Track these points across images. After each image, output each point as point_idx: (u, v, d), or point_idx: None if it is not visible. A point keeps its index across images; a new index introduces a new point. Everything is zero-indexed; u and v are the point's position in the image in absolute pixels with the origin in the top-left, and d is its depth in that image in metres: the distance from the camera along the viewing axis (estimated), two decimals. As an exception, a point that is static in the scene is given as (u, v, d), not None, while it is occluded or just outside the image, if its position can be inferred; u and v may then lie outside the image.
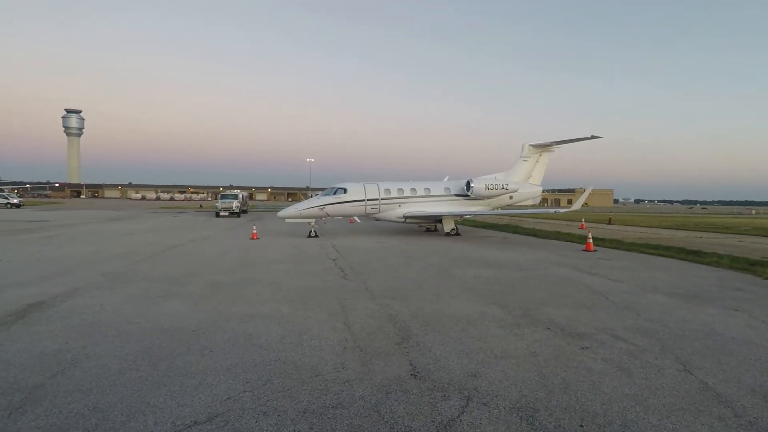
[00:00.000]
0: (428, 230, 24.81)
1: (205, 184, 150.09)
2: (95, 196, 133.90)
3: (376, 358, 5.24)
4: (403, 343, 5.79)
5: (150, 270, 11.15)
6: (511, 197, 24.04)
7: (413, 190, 22.52)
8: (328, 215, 21.15)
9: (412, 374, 4.78)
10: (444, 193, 23.26)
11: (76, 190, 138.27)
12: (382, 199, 21.58)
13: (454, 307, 7.68)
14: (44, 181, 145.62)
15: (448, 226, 22.28)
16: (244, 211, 44.09)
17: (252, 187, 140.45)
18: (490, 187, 22.67)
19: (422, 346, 5.67)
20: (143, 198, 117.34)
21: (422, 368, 4.95)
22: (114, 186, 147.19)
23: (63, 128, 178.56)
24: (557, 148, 25.13)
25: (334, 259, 13.57)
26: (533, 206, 27.05)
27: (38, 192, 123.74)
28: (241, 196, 42.75)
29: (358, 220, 24.37)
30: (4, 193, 53.84)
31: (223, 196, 41.16)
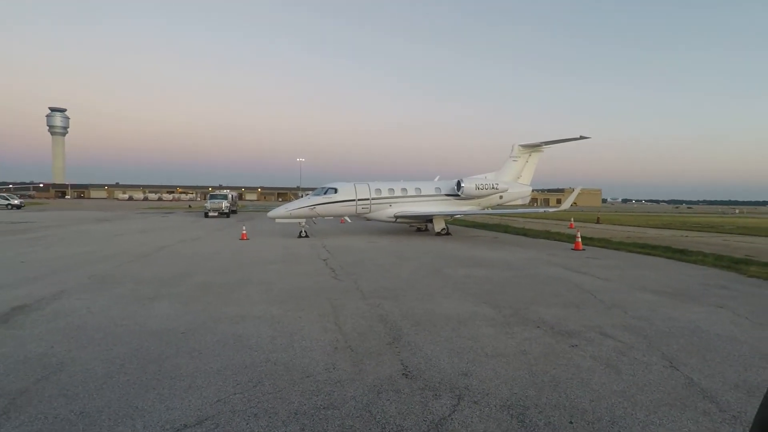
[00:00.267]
0: (419, 230, 24.86)
1: (194, 184, 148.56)
2: (81, 197, 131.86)
3: (367, 358, 5.24)
4: (394, 343, 5.79)
5: (138, 271, 11.01)
6: (501, 197, 24.18)
7: (404, 189, 22.55)
8: (319, 215, 21.09)
9: (403, 374, 4.79)
10: (434, 193, 23.33)
11: (61, 191, 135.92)
12: (372, 198, 21.58)
13: (445, 307, 7.71)
14: (28, 181, 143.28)
15: (438, 225, 22.34)
16: (234, 212, 43.76)
17: (242, 187, 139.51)
18: (481, 187, 22.78)
19: (413, 346, 5.68)
20: (130, 198, 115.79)
21: (413, 368, 4.96)
22: (100, 186, 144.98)
23: (47, 127, 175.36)
24: (546, 149, 25.34)
25: (324, 260, 13.53)
26: (523, 206, 27.25)
27: (22, 193, 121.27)
28: (230, 196, 42.40)
29: (349, 220, 24.33)
30: (4, 194, 52.94)
31: (213, 196, 40.80)
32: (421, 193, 22.95)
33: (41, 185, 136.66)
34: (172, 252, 15.02)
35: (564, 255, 15.07)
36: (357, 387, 4.44)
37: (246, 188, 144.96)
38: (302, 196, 23.42)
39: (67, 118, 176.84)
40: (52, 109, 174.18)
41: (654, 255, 15.11)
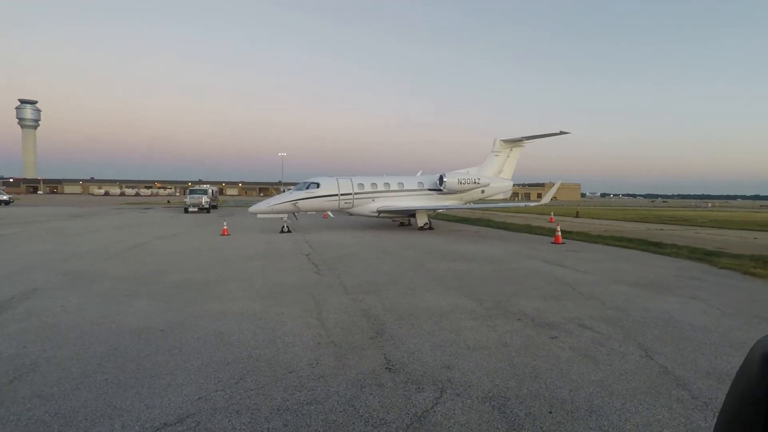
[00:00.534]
0: (402, 224, 24.92)
1: (173, 179, 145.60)
2: (54, 192, 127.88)
3: (350, 353, 5.24)
4: (377, 338, 5.81)
5: (115, 269, 10.77)
6: (483, 191, 24.39)
7: (386, 184, 22.54)
8: (301, 210, 20.94)
9: (386, 368, 4.81)
10: (417, 188, 23.39)
11: (32, 186, 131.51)
12: (355, 193, 21.52)
13: (427, 301, 7.76)
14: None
15: (421, 220, 22.44)
16: (214, 207, 43.09)
17: (222, 182, 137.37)
18: (463, 181, 22.93)
19: (396, 340, 5.71)
20: (107, 194, 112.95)
21: (396, 361, 4.98)
22: (74, 181, 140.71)
23: (17, 119, 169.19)
24: (527, 143, 25.61)
25: (307, 255, 13.46)
26: (504, 200, 27.56)
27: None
28: (210, 191, 41.69)
29: (332, 215, 24.24)
30: None
31: (192, 191, 40.03)
32: (404, 188, 22.99)
33: (11, 180, 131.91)
34: (150, 249, 14.73)
35: (544, 248, 15.32)
36: (340, 382, 4.45)
37: (226, 183, 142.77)
38: (284, 191, 23.25)
39: (39, 110, 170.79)
40: (22, 101, 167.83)
41: (631, 248, 15.48)
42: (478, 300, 7.84)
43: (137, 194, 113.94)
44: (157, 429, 3.55)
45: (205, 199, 37.70)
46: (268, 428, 3.57)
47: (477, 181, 23.36)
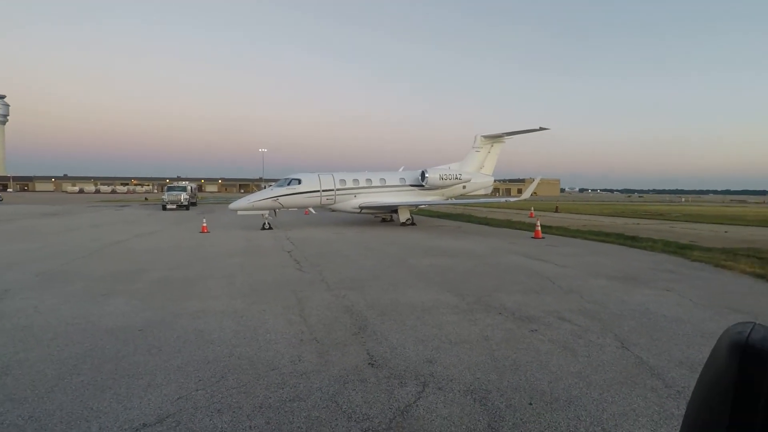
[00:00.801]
0: (384, 220, 24.93)
1: (150, 176, 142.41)
2: (25, 190, 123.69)
3: (333, 349, 5.23)
4: (360, 333, 5.81)
5: (91, 268, 10.50)
6: (464, 187, 24.57)
7: (368, 180, 22.51)
8: (283, 207, 20.76)
9: (369, 363, 4.82)
10: (399, 184, 23.42)
11: (2, 183, 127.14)
12: (337, 189, 21.43)
13: (410, 296, 7.79)
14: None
15: (403, 216, 22.49)
16: (194, 204, 42.38)
17: (201, 179, 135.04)
18: (445, 177, 23.05)
19: (379, 335, 5.72)
20: (81, 191, 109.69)
21: (379, 357, 5.00)
22: (47, 178, 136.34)
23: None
24: (508, 139, 25.88)
25: (289, 252, 13.36)
26: (485, 195, 27.79)
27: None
28: (189, 187, 40.92)
29: (314, 211, 24.10)
30: None
31: (170, 188, 39.24)
32: (386, 184, 22.98)
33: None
34: (127, 247, 14.41)
35: (525, 243, 15.54)
36: (323, 378, 4.44)
37: (206, 180, 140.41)
38: (265, 188, 22.95)
39: (7, 105, 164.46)
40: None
41: (608, 242, 15.82)
42: (460, 295, 7.91)
43: (113, 191, 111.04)
44: (137, 430, 3.49)
45: (183, 196, 37.02)
46: (250, 426, 3.55)
47: (458, 176, 23.51)
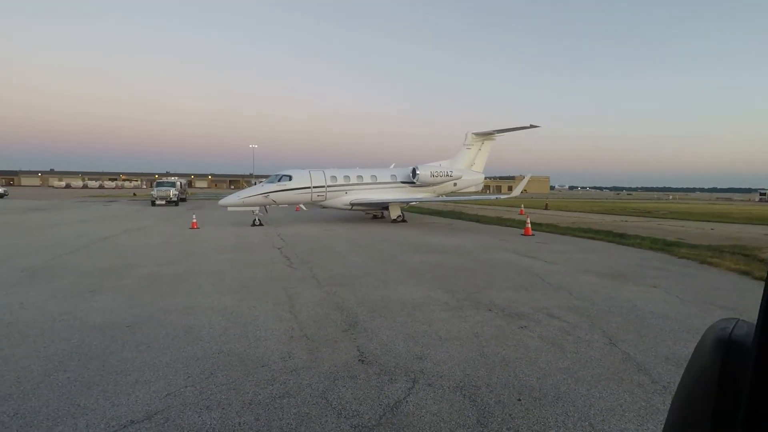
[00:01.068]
0: (375, 217, 24.92)
1: (139, 171, 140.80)
2: (10, 185, 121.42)
3: (323, 346, 5.23)
4: (350, 330, 5.81)
5: (78, 263, 10.36)
6: (455, 184, 24.63)
7: (360, 177, 22.47)
8: (273, 203, 20.65)
9: (359, 360, 4.82)
10: (390, 181, 23.41)
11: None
12: (328, 186, 21.36)
13: (400, 293, 7.81)
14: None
15: (394, 213, 22.50)
16: (183, 200, 42.02)
17: (191, 174, 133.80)
18: (435, 174, 23.09)
19: (369, 332, 5.73)
20: (68, 186, 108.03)
21: (369, 353, 5.01)
22: (33, 173, 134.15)
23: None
24: (498, 137, 25.98)
25: (279, 248, 13.30)
26: (476, 193, 27.93)
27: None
28: (179, 183, 40.55)
29: (304, 208, 24.02)
30: None
31: (159, 184, 38.82)
32: (377, 181, 22.97)
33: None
34: (115, 242, 14.24)
35: (515, 240, 15.63)
36: (313, 375, 4.43)
37: (196, 175, 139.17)
38: (255, 184, 22.82)
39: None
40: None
41: (597, 239, 15.99)
42: (450, 292, 7.94)
43: (101, 187, 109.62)
44: (124, 426, 3.46)
45: (173, 192, 36.67)
46: (240, 423, 3.53)
47: (449, 173, 23.57)
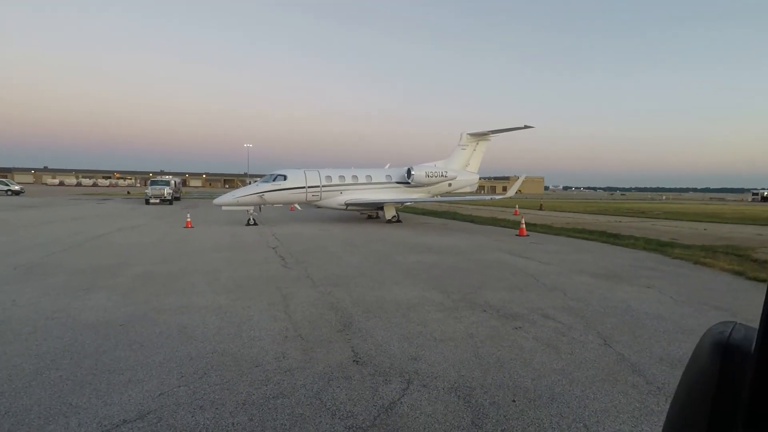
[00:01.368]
0: (370, 217, 24.91)
1: (133, 170, 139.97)
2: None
3: (317, 346, 5.21)
4: (344, 330, 5.80)
5: (72, 261, 10.28)
6: (450, 184, 24.67)
7: (355, 177, 22.45)
8: (268, 203, 20.59)
9: (354, 360, 4.81)
10: (385, 181, 23.41)
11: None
12: (323, 186, 21.32)
13: (395, 293, 7.80)
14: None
15: (389, 213, 22.50)
16: (177, 199, 41.86)
17: (185, 173, 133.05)
18: (430, 174, 23.12)
19: (364, 333, 5.72)
20: (61, 183, 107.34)
21: (364, 354, 5.00)
22: (26, 170, 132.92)
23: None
24: (493, 137, 26.06)
25: (274, 248, 13.26)
26: (471, 193, 27.98)
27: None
28: (173, 182, 40.43)
29: (299, 208, 23.97)
30: (5, 180, 48.79)
31: (154, 182, 38.66)
32: (372, 181, 22.97)
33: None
34: (109, 240, 14.14)
35: (509, 241, 15.67)
36: (307, 375, 4.42)
37: (190, 174, 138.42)
38: (250, 183, 22.75)
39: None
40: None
41: (591, 240, 16.06)
42: (445, 292, 7.95)
43: (95, 185, 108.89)
44: (117, 426, 3.43)
45: (167, 191, 36.54)
46: (233, 423, 3.52)
47: (444, 174, 23.61)
